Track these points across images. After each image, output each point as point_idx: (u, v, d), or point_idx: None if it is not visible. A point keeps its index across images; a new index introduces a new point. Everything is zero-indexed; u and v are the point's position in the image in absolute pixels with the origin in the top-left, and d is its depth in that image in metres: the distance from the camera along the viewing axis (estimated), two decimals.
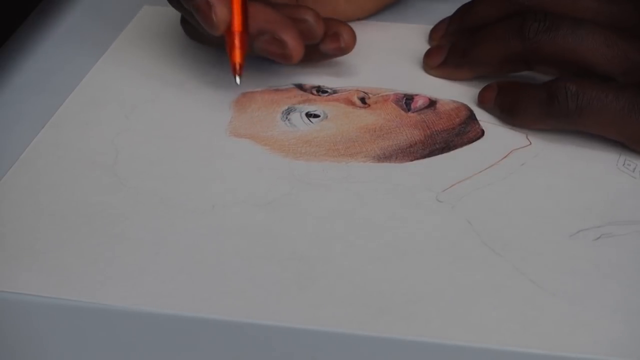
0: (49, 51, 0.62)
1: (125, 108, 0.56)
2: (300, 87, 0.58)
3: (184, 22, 0.59)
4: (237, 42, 0.53)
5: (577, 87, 0.50)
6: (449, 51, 0.58)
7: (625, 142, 0.51)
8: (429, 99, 0.56)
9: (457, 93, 0.57)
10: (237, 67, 0.53)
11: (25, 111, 0.56)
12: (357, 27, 0.60)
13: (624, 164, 0.51)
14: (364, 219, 0.48)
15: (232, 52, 0.53)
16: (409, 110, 0.55)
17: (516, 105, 0.53)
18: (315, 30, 0.55)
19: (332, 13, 0.59)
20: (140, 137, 0.54)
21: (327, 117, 0.55)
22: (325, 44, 0.56)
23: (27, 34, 0.63)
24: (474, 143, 0.53)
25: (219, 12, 0.51)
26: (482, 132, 0.54)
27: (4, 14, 0.61)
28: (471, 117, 0.55)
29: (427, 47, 0.61)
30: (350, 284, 0.44)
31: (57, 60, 0.61)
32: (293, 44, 0.53)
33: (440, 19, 0.62)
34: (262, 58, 0.55)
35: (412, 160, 0.52)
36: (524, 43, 0.54)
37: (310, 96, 0.57)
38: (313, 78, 0.58)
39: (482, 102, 0.55)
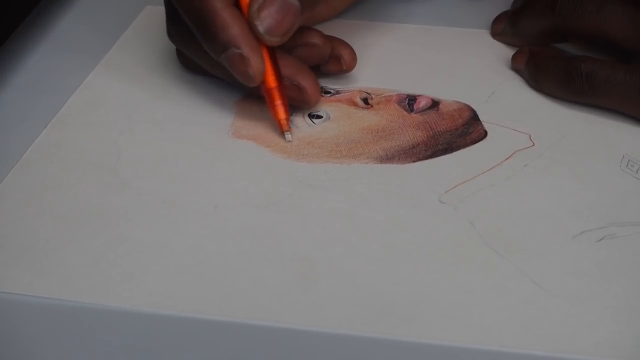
0: (50, 51, 0.62)
1: (127, 108, 0.56)
2: None
3: (181, 55, 0.59)
4: (277, 99, 0.53)
5: (589, 68, 0.54)
6: (507, 21, 0.61)
7: (638, 118, 0.54)
8: (432, 100, 0.56)
9: (459, 94, 0.57)
10: (284, 123, 0.53)
11: (27, 111, 0.56)
12: (359, 28, 0.60)
13: (627, 165, 0.51)
14: (366, 220, 0.48)
15: (275, 109, 0.53)
16: (411, 111, 0.55)
17: (541, 77, 0.56)
18: (325, 53, 0.56)
19: (309, 16, 0.58)
20: (142, 138, 0.54)
21: (329, 117, 0.55)
22: (327, 66, 0.57)
23: (29, 34, 0.63)
24: (477, 144, 0.53)
25: (255, 65, 0.51)
26: (485, 133, 0.54)
27: (4, 14, 0.61)
28: (474, 118, 0.55)
29: (430, 48, 0.61)
30: (352, 285, 0.44)
31: (59, 61, 0.61)
32: (312, 89, 0.54)
33: (444, 20, 0.62)
34: None
35: (414, 162, 0.52)
36: (554, 18, 0.57)
37: None
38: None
39: (514, 64, 0.59)
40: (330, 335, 0.42)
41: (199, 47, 0.53)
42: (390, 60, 0.60)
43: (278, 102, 0.53)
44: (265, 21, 0.51)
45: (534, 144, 0.53)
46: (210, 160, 0.52)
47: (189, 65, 0.59)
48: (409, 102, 0.56)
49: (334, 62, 0.57)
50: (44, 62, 0.61)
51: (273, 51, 0.53)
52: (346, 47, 0.57)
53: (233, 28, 0.51)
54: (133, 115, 0.56)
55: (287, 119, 0.53)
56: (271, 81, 0.52)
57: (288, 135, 0.53)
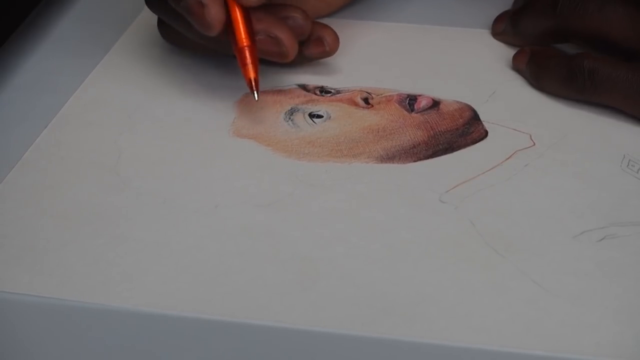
0: (51, 51, 0.62)
1: (128, 108, 0.56)
2: (303, 87, 0.58)
3: (161, 24, 0.58)
4: (248, 57, 0.52)
5: (591, 65, 0.54)
6: (508, 21, 0.61)
7: (638, 117, 0.54)
8: (433, 100, 0.56)
9: (460, 93, 0.57)
10: (253, 82, 0.53)
11: (27, 111, 0.56)
12: (360, 27, 0.60)
13: (627, 165, 0.51)
14: (367, 219, 0.48)
15: (245, 68, 0.53)
16: (412, 110, 0.55)
17: (542, 75, 0.56)
18: (304, 27, 0.55)
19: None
20: (143, 138, 0.54)
21: (330, 117, 0.55)
22: (309, 49, 0.57)
23: (29, 34, 0.63)
24: (478, 144, 0.53)
25: (213, 12, 0.51)
26: (486, 133, 0.54)
27: (4, 14, 0.61)
28: (475, 117, 0.55)
29: (430, 47, 0.61)
30: (352, 285, 0.44)
31: (59, 60, 0.61)
32: (288, 41, 0.53)
33: (446, 19, 0.62)
34: (262, 60, 0.55)
35: (415, 161, 0.52)
36: (555, 18, 0.57)
37: (314, 97, 0.57)
38: (316, 78, 0.58)
39: (515, 64, 0.58)
40: (330, 335, 0.42)
41: (173, 10, 0.53)
42: (390, 60, 0.60)
43: (248, 61, 0.52)
44: None
45: (534, 144, 0.53)
46: (211, 160, 0.52)
47: (168, 36, 0.59)
48: (410, 101, 0.56)
49: (316, 44, 0.57)
50: (44, 62, 0.61)
51: (247, 12, 0.53)
52: (328, 29, 0.57)
53: None
54: (133, 115, 0.56)
55: (257, 80, 0.52)
56: (242, 40, 0.52)
57: (256, 94, 0.53)
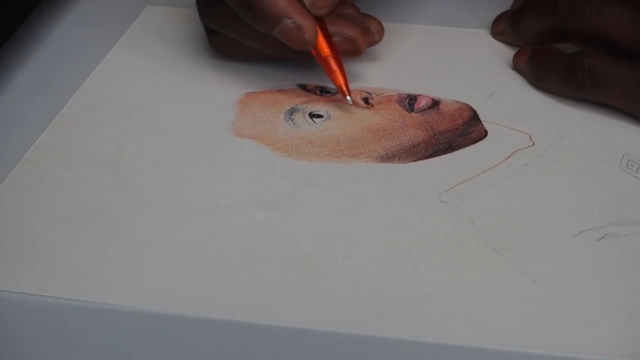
0: (51, 51, 0.62)
1: (128, 108, 0.56)
2: (303, 87, 0.58)
3: (213, 37, 0.59)
4: (333, 65, 0.55)
5: (592, 63, 0.54)
6: (508, 21, 0.61)
7: (638, 116, 0.54)
8: (432, 100, 0.56)
9: (459, 93, 0.57)
10: (344, 87, 0.55)
11: (28, 111, 0.56)
12: None
13: (627, 165, 0.51)
14: (367, 219, 0.48)
15: (334, 76, 0.55)
16: (412, 110, 0.55)
17: (543, 73, 0.57)
18: (358, 20, 0.58)
19: None
20: (143, 137, 0.54)
21: (330, 117, 0.55)
22: None
23: (30, 33, 0.63)
24: (477, 143, 0.53)
25: (309, 30, 0.53)
26: (486, 133, 0.54)
27: (4, 14, 0.61)
28: (474, 117, 0.55)
29: (430, 48, 0.61)
30: (353, 284, 0.44)
31: (60, 60, 0.61)
32: (359, 38, 0.57)
33: (446, 20, 0.62)
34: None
35: (415, 161, 0.52)
36: (555, 18, 0.57)
37: (314, 96, 0.57)
38: (316, 78, 0.58)
39: (515, 64, 0.59)
40: (331, 334, 0.42)
41: (243, 25, 0.54)
42: (390, 60, 0.60)
43: (335, 69, 0.55)
44: None
45: (534, 144, 0.53)
46: (211, 159, 0.52)
47: (222, 47, 0.59)
48: (410, 101, 0.56)
49: (365, 34, 0.58)
50: (45, 62, 0.61)
51: (321, 19, 0.55)
52: (373, 19, 0.59)
53: (281, 1, 0.53)
54: (134, 115, 0.56)
55: (347, 84, 0.55)
56: (325, 50, 0.55)
57: (349, 99, 0.55)
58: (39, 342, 0.43)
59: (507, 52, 0.60)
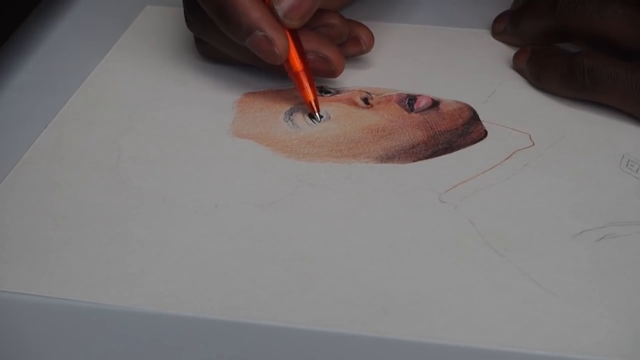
0: (51, 51, 0.62)
1: (128, 108, 0.56)
2: None
3: (199, 43, 0.59)
4: (304, 81, 0.55)
5: (592, 63, 0.54)
6: (508, 21, 0.61)
7: (638, 116, 0.54)
8: (432, 100, 0.56)
9: (460, 93, 0.57)
10: (313, 104, 0.55)
11: (27, 111, 0.56)
12: None
13: (627, 165, 0.51)
14: (367, 219, 0.48)
15: (303, 92, 0.55)
16: (411, 110, 0.55)
17: (543, 73, 0.57)
18: (343, 32, 0.57)
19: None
20: (143, 138, 0.54)
21: (330, 117, 0.55)
22: (346, 48, 0.58)
23: (29, 34, 0.63)
24: (477, 144, 0.53)
25: (280, 44, 0.53)
26: (485, 133, 0.54)
27: (4, 14, 0.61)
28: (474, 117, 0.55)
29: (430, 48, 0.61)
30: (352, 284, 0.44)
31: (59, 60, 0.61)
32: (336, 59, 0.56)
33: (446, 20, 0.63)
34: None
35: (414, 161, 0.52)
36: (555, 18, 0.57)
37: None
38: (316, 79, 0.58)
39: (515, 63, 0.59)
40: (330, 334, 0.42)
41: (220, 33, 0.54)
42: (390, 60, 0.60)
43: (306, 85, 0.54)
44: (284, 4, 0.53)
45: (534, 144, 0.53)
46: (211, 160, 0.52)
47: (208, 53, 0.59)
48: (409, 101, 0.56)
49: (352, 43, 0.58)
50: (44, 62, 0.61)
51: (295, 33, 0.54)
52: (364, 28, 0.58)
53: (254, 12, 0.52)
54: (134, 115, 0.56)
55: (316, 101, 0.55)
56: (297, 65, 0.54)
57: (317, 116, 0.55)
58: (38, 342, 0.43)
59: (507, 52, 0.60)
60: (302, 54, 0.54)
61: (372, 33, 0.58)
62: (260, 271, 0.45)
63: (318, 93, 0.57)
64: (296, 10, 0.53)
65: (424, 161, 0.52)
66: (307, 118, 0.55)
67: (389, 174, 0.51)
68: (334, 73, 0.56)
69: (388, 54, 0.61)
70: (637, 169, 0.51)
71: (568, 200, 0.49)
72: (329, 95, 0.57)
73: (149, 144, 0.53)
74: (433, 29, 0.63)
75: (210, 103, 0.57)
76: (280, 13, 0.53)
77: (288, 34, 0.54)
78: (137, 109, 0.56)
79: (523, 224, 0.47)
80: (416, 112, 0.55)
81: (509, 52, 0.60)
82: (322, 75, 0.56)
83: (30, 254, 0.46)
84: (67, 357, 0.43)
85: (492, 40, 0.62)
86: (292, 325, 0.43)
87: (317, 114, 0.55)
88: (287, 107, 0.56)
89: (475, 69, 0.59)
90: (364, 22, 0.63)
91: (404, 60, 0.60)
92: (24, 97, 0.58)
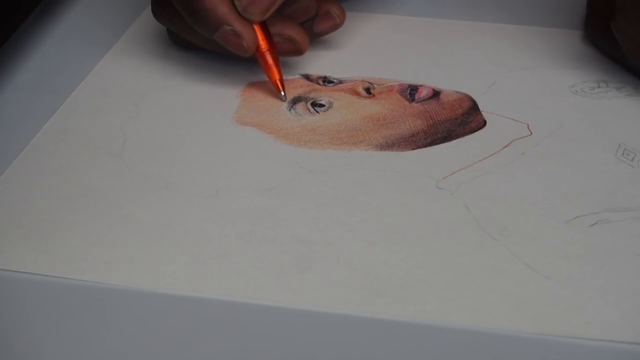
0: (60, 41, 0.63)
1: (134, 96, 0.57)
2: (307, 77, 0.59)
3: (171, 33, 0.60)
4: (270, 60, 0.56)
5: None
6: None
7: None
8: (433, 90, 0.57)
9: (460, 84, 0.57)
10: (278, 83, 0.56)
11: (36, 98, 0.57)
12: (363, 20, 0.60)
13: (623, 154, 0.52)
14: (365, 204, 0.49)
15: (269, 71, 0.56)
16: (412, 100, 0.56)
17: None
18: (311, 7, 0.58)
19: None
20: (148, 124, 0.55)
21: (332, 106, 0.56)
22: (319, 25, 0.59)
23: (30, 33, 0.64)
24: (476, 133, 0.54)
25: (247, 38, 0.54)
26: (484, 123, 0.55)
27: (5, 14, 0.62)
28: (474, 107, 0.56)
29: (431, 40, 0.62)
30: (348, 266, 0.45)
31: (68, 50, 0.62)
32: (300, 38, 0.57)
33: (449, 12, 0.63)
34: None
35: (413, 149, 0.53)
36: None
37: (317, 86, 0.58)
38: (320, 68, 0.59)
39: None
40: (325, 315, 0.43)
41: (188, 25, 0.55)
42: (392, 51, 0.61)
43: (271, 63, 0.56)
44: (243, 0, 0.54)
45: (532, 133, 0.53)
46: (213, 146, 0.53)
47: (179, 42, 0.60)
48: (411, 91, 0.57)
49: (325, 18, 0.59)
50: (54, 51, 0.62)
51: (264, 21, 0.55)
52: (334, 2, 0.59)
53: (221, 6, 0.54)
54: (140, 103, 0.57)
55: (282, 80, 0.56)
56: (263, 46, 0.55)
57: (282, 95, 0.56)
58: (42, 320, 0.44)
59: (508, 44, 0.61)
60: (267, 36, 0.56)
61: (343, 9, 0.59)
62: (258, 253, 0.46)
63: (322, 83, 0.58)
64: (255, 5, 0.54)
65: (423, 149, 0.53)
66: (310, 107, 0.56)
67: (388, 161, 0.52)
68: (300, 51, 0.57)
69: (391, 45, 0.62)
70: (633, 158, 0.51)
71: (563, 188, 0.49)
72: (332, 85, 0.58)
73: (153, 131, 0.54)
74: (435, 22, 0.64)
75: (215, 92, 0.57)
76: (239, 8, 0.54)
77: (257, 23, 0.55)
78: (143, 97, 0.57)
79: (518, 209, 0.48)
80: (417, 102, 0.56)
81: (510, 44, 0.61)
82: (289, 55, 0.57)
83: (35, 234, 0.47)
84: (70, 335, 0.44)
85: (493, 32, 0.62)
86: (289, 305, 0.43)
87: (282, 92, 0.56)
88: (290, 96, 0.57)
89: (476, 61, 0.60)
90: (366, 15, 0.64)
91: (406, 51, 0.61)
92: (34, 83, 0.58)
